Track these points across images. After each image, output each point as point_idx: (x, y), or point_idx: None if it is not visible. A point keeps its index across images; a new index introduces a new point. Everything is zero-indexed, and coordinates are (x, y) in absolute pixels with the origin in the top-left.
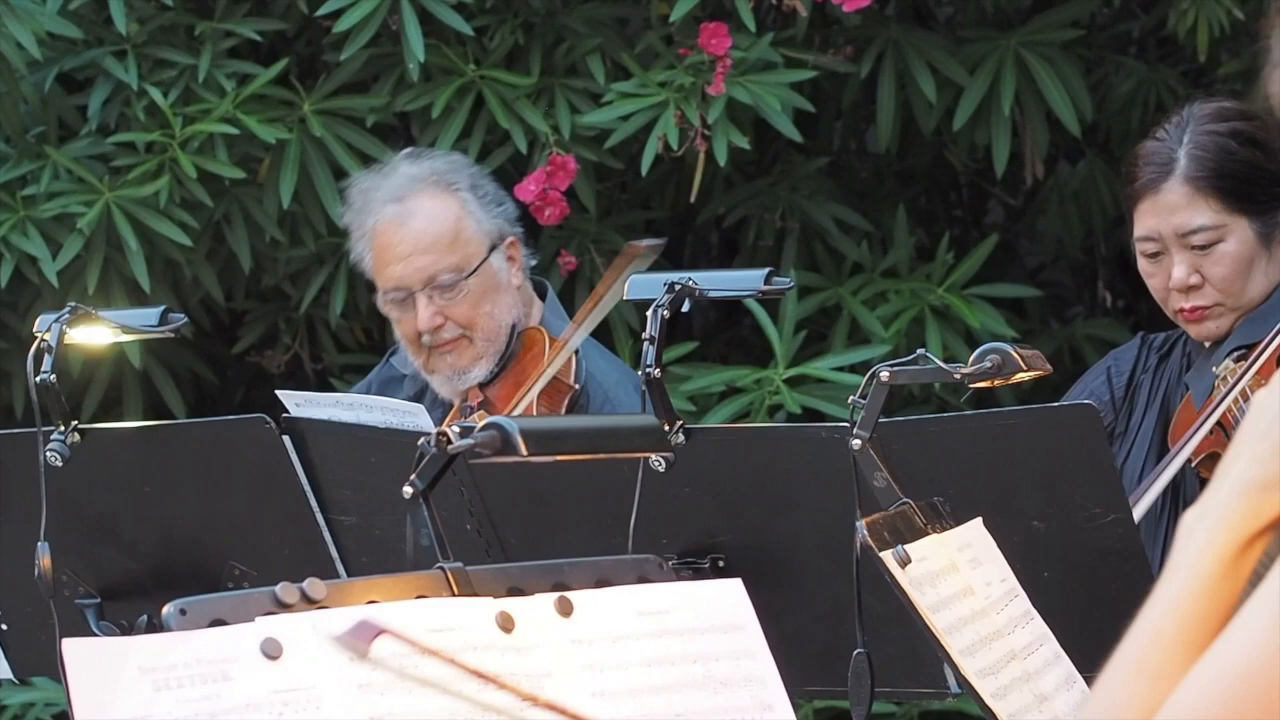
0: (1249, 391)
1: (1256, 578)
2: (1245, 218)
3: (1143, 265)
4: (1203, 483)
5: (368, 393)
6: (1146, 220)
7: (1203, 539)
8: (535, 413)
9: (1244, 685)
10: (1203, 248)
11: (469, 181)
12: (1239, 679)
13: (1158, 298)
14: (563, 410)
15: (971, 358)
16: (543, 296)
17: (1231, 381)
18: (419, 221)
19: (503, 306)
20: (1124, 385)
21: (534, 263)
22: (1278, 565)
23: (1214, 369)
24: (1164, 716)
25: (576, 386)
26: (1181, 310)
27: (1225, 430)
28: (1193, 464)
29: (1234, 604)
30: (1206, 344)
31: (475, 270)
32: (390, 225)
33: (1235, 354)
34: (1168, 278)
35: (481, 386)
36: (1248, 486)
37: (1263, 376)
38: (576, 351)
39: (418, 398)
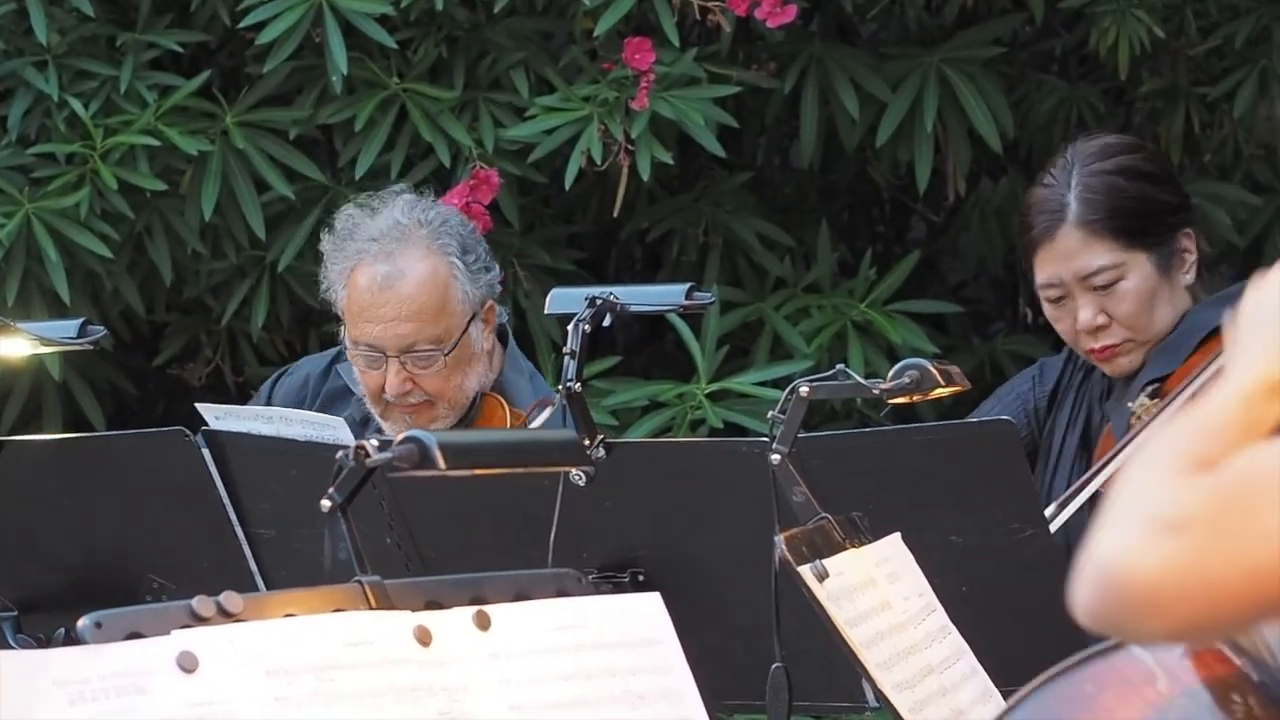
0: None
1: None
2: (1143, 252)
3: (1048, 310)
4: None
5: (304, 396)
6: (1046, 268)
7: (1240, 371)
8: None
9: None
10: (1105, 287)
11: (460, 245)
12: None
13: (1067, 340)
14: None
15: (890, 373)
16: (503, 341)
17: (1147, 420)
18: (407, 287)
19: (472, 377)
20: (1047, 395)
21: (504, 320)
22: None
23: (1130, 404)
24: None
25: None
26: (1092, 350)
27: None
28: None
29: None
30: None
31: (455, 344)
32: (376, 282)
33: (1150, 388)
34: (1074, 320)
35: None
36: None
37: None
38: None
39: (366, 420)
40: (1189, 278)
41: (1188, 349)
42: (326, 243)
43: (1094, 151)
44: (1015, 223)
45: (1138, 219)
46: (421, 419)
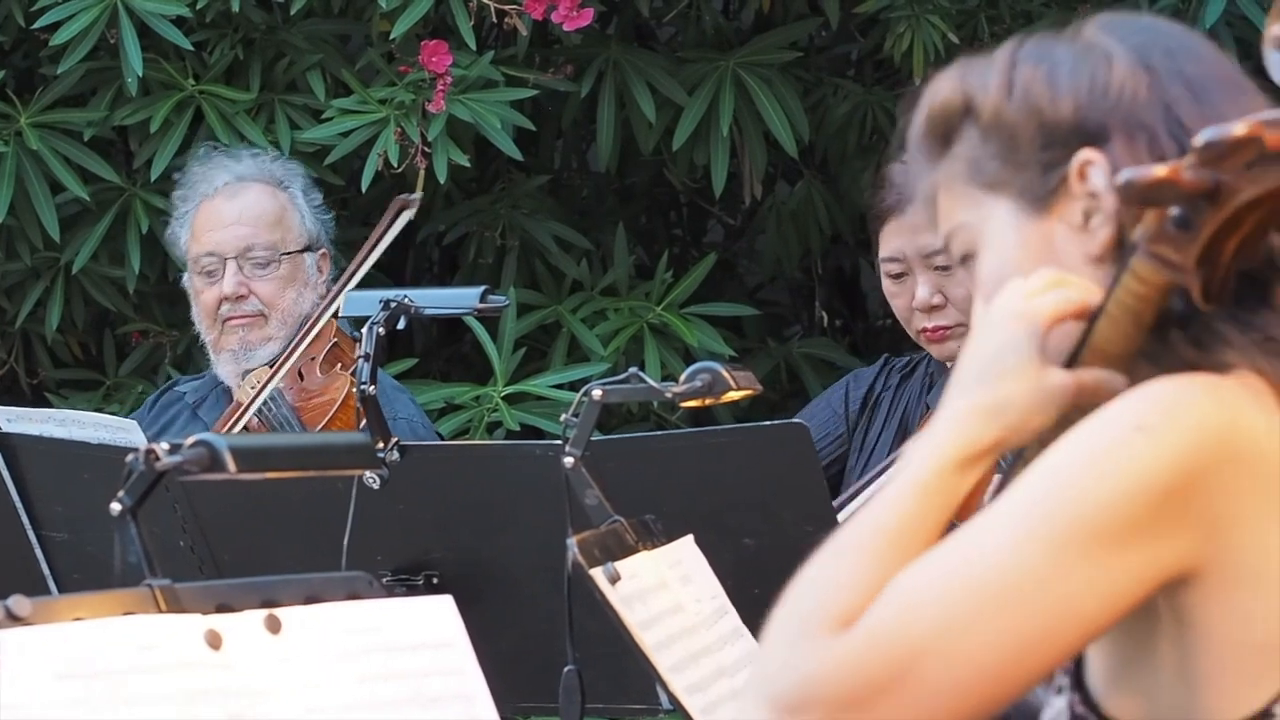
0: None
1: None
2: None
3: (887, 286)
4: None
5: (147, 415)
6: (892, 241)
7: (924, 453)
8: (318, 372)
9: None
10: (945, 268)
11: (302, 185)
12: (985, 566)
13: (901, 318)
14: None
15: (682, 377)
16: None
17: None
18: (248, 198)
19: (305, 299)
20: (860, 399)
21: None
22: (1017, 479)
23: None
24: (903, 583)
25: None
26: (924, 330)
27: None
28: None
29: (947, 517)
30: (949, 364)
31: (289, 254)
32: (219, 198)
33: None
34: (911, 298)
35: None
36: (968, 412)
37: None
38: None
39: (197, 407)
40: None
41: None
42: (176, 192)
43: None
44: (869, 197)
45: None
46: (254, 334)
